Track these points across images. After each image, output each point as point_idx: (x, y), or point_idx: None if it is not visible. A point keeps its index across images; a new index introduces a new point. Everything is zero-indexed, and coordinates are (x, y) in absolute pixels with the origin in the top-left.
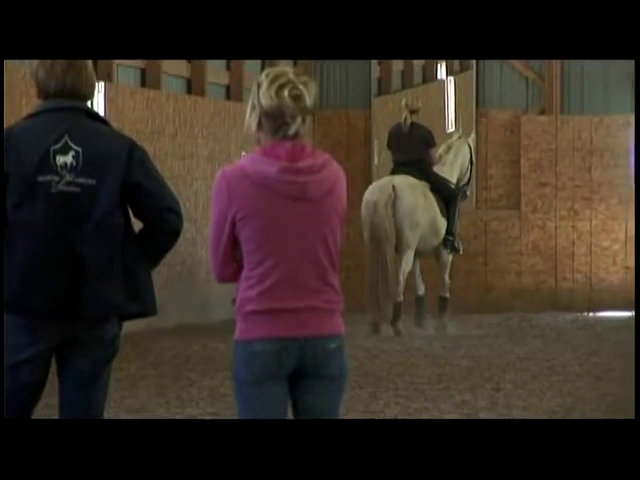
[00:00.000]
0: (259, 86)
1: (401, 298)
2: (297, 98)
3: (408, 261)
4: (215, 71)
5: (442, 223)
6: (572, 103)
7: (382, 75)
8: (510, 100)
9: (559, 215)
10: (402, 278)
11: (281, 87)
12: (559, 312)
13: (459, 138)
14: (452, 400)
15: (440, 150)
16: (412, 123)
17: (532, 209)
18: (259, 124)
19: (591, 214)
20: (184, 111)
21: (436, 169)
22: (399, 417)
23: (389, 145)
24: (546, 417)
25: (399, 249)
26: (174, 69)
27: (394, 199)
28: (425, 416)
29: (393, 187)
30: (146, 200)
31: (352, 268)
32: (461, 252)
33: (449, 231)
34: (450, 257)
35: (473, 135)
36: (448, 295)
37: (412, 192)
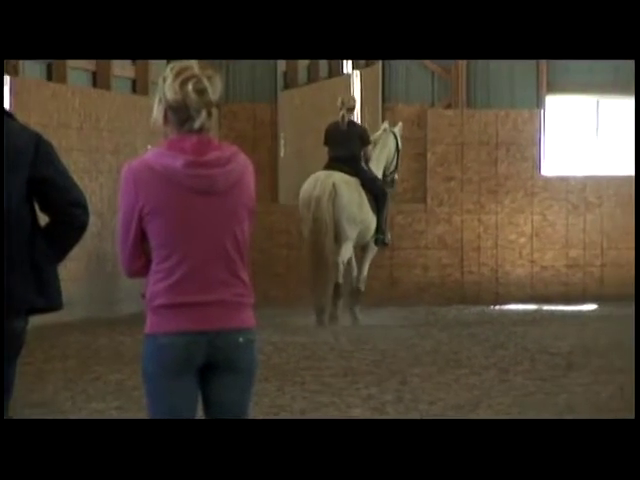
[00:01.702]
0: (164, 80)
1: (341, 280)
2: (201, 92)
3: (347, 249)
4: (121, 64)
5: (373, 219)
6: (478, 97)
7: (288, 69)
8: (416, 94)
9: (465, 209)
10: (341, 263)
11: (185, 81)
12: (465, 305)
13: (384, 130)
14: (358, 394)
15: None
16: (349, 121)
17: (438, 203)
18: (165, 118)
19: (497, 207)
20: (90, 105)
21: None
22: (306, 411)
23: (326, 141)
24: (454, 411)
25: (338, 241)
26: (79, 63)
27: (334, 195)
28: (332, 410)
29: (333, 184)
30: (53, 194)
31: (259, 262)
32: (389, 244)
33: (379, 228)
34: (375, 250)
35: (400, 124)
36: (363, 288)
37: (348, 188)
